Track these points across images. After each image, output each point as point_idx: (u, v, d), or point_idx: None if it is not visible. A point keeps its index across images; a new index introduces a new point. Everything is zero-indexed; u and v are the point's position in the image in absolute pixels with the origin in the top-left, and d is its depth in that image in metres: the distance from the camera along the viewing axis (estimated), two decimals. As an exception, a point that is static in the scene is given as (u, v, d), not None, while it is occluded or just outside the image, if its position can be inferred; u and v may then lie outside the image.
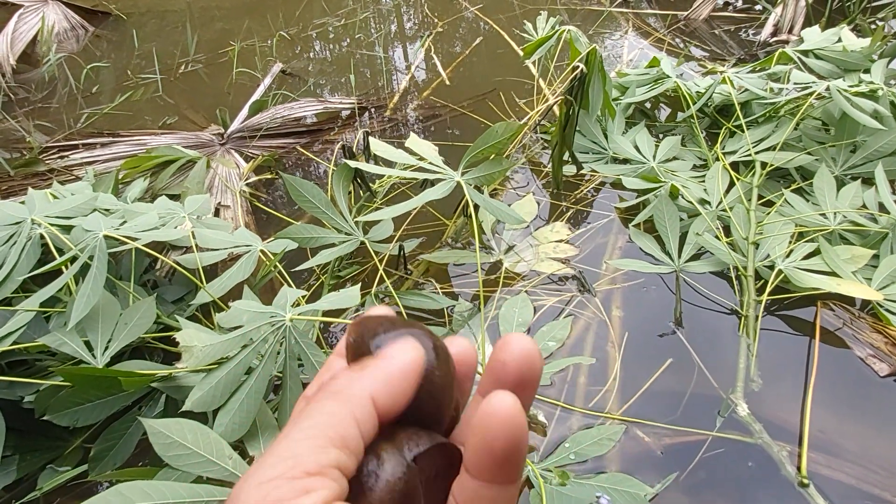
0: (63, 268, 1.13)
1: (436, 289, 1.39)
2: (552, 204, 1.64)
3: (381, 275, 1.32)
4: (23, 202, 1.30)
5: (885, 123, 1.49)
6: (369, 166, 1.34)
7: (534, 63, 2.25)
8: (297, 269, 1.33)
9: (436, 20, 2.87)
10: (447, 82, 2.29)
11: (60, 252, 1.16)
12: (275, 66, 2.37)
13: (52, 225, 1.20)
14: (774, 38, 2.41)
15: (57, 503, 1.00)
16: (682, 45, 2.45)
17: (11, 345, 1.02)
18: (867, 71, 1.70)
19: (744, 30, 2.56)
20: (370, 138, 1.43)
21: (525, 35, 2.15)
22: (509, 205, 1.56)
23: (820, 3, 2.49)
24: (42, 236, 1.19)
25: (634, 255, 1.44)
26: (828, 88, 1.50)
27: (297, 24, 2.90)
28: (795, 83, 1.65)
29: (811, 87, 1.56)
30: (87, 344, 1.04)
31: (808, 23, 2.39)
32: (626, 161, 1.71)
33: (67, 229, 1.22)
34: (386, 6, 3.09)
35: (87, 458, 1.01)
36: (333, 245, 1.33)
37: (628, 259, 1.42)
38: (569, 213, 1.60)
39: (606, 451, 1.01)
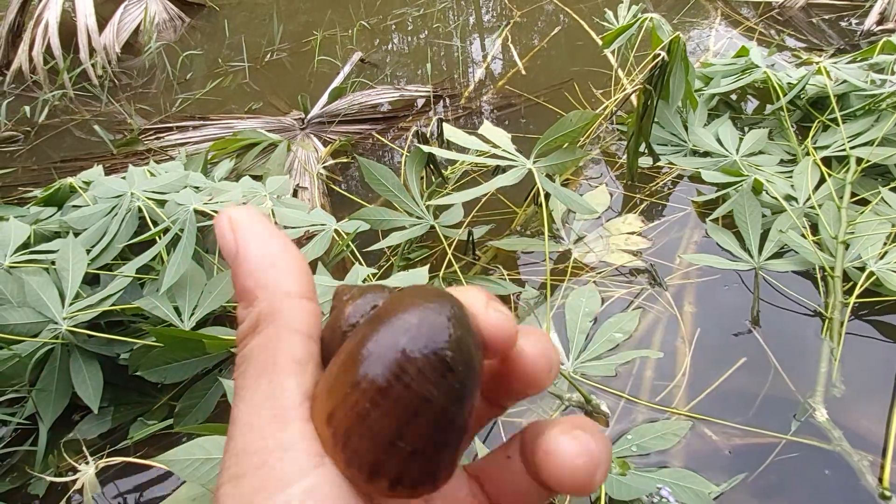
0: (157, 238, 1.22)
1: (503, 275, 1.40)
2: (625, 196, 1.60)
3: (450, 258, 1.34)
4: (124, 178, 1.41)
5: None
6: (442, 151, 1.36)
7: (613, 53, 2.20)
8: (368, 249, 1.37)
9: (514, 10, 2.85)
10: (523, 72, 2.28)
11: (155, 224, 1.25)
12: (354, 54, 2.44)
13: (148, 199, 1.30)
14: (880, 28, 2.24)
15: (145, 452, 1.09)
16: (774, 35, 2.32)
17: (111, 306, 1.12)
18: None
19: (845, 18, 2.39)
20: (444, 124, 1.45)
21: (605, 24, 2.11)
22: (581, 195, 1.54)
23: (935, -12, 2.28)
24: (140, 209, 1.29)
25: (711, 251, 1.39)
26: (938, 79, 1.38)
27: (377, 15, 2.96)
28: (901, 74, 1.53)
29: (919, 78, 1.45)
30: (176, 309, 1.12)
31: (919, 10, 2.20)
32: (706, 154, 1.65)
33: (162, 203, 1.31)
34: (465, -4, 3.10)
35: (172, 414, 1.09)
36: (404, 228, 1.36)
37: (704, 254, 1.37)
38: (643, 206, 1.56)
39: (671, 446, 0.98)
